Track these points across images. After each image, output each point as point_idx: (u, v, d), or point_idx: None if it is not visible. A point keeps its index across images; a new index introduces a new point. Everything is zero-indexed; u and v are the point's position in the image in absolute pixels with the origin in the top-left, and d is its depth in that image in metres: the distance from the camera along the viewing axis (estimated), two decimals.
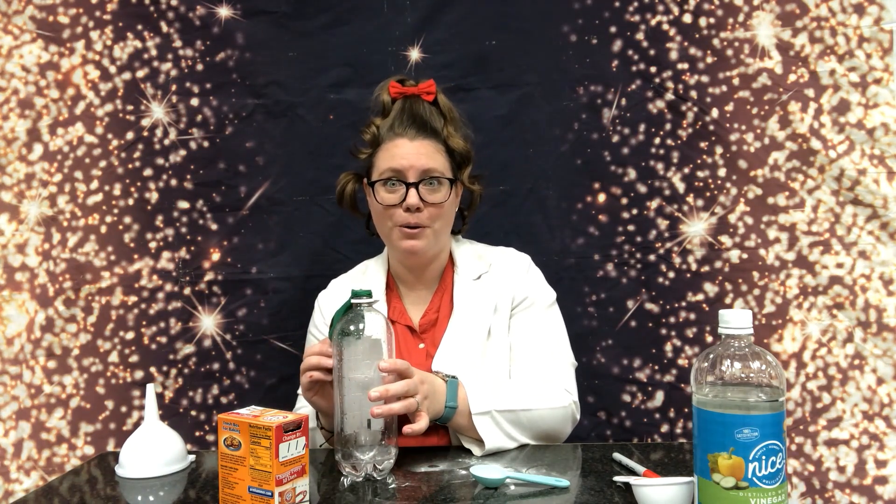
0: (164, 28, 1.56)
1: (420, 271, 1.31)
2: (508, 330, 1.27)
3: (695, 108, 1.53)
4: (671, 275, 1.54)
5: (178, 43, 1.56)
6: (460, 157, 1.28)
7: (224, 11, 1.56)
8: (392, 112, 1.27)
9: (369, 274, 1.35)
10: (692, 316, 1.54)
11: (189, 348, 1.56)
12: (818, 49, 1.50)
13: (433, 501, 0.97)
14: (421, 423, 1.04)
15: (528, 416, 1.16)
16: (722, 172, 1.53)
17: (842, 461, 1.49)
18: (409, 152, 1.23)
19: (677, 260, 1.54)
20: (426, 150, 1.24)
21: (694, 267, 1.54)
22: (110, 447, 1.53)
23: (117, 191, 1.56)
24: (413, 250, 1.24)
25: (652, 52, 1.54)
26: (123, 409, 1.54)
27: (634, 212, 1.56)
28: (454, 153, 1.27)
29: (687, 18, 1.54)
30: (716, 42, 1.53)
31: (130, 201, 1.56)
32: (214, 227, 1.57)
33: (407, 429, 1.03)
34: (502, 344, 1.26)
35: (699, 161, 1.54)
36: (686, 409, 1.54)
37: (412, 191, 1.21)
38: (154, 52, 1.56)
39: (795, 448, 1.50)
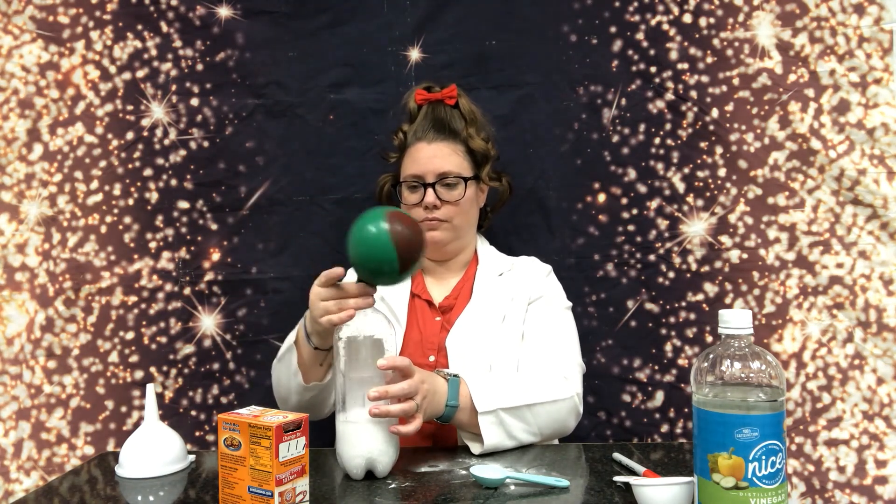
0: (164, 28, 1.56)
1: (444, 263, 1.40)
2: (523, 321, 1.33)
3: (695, 108, 1.53)
4: (671, 275, 1.54)
5: (178, 43, 1.56)
6: (480, 157, 1.38)
7: (224, 11, 1.56)
8: (417, 118, 1.38)
9: None
10: (692, 316, 1.54)
11: (189, 348, 1.56)
12: (818, 49, 1.50)
13: (433, 501, 0.97)
14: (411, 427, 1.04)
15: (533, 411, 1.17)
16: (722, 172, 1.53)
17: (842, 461, 1.49)
18: (426, 156, 1.34)
19: (677, 260, 1.54)
20: (443, 152, 1.34)
21: (694, 267, 1.54)
22: (110, 447, 1.53)
23: (117, 191, 1.56)
24: (433, 240, 1.34)
25: (652, 52, 1.54)
26: (123, 409, 1.54)
27: (634, 212, 1.56)
28: (474, 153, 1.37)
29: (687, 18, 1.54)
30: (716, 42, 1.53)
31: (130, 201, 1.56)
32: (214, 227, 1.57)
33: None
34: (515, 331, 1.32)
35: (699, 161, 1.54)
36: (686, 409, 1.54)
37: (429, 191, 1.32)
38: (154, 52, 1.56)
39: (795, 448, 1.50)
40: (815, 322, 1.51)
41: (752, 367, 0.82)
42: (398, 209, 1.07)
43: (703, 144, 1.54)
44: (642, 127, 1.55)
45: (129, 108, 1.56)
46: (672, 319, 1.54)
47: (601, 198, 1.56)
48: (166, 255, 1.56)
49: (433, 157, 1.33)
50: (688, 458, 1.13)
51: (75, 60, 1.55)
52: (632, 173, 1.55)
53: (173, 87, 1.56)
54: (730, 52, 1.53)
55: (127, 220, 1.56)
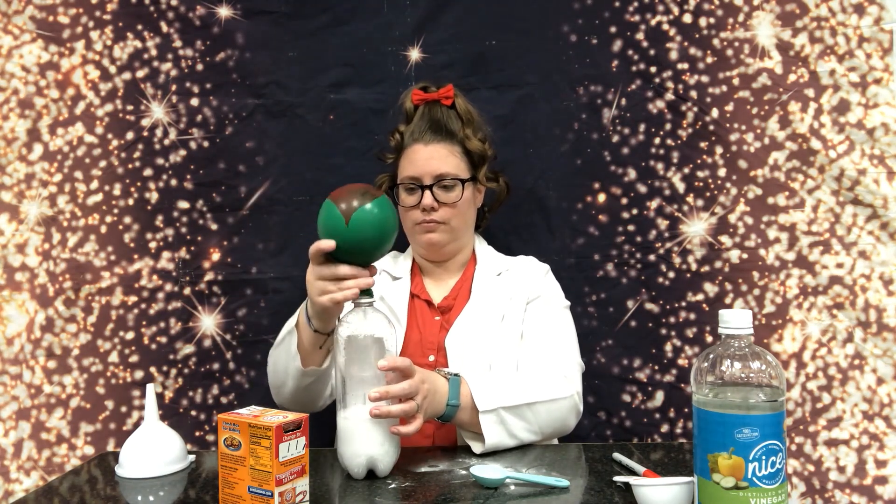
0: (164, 28, 1.56)
1: (442, 264, 1.40)
2: (522, 321, 1.33)
3: (695, 108, 1.53)
4: (671, 275, 1.54)
5: (178, 43, 1.56)
6: (477, 158, 1.38)
7: (224, 11, 1.56)
8: (414, 119, 1.38)
9: (399, 259, 1.45)
10: (692, 316, 1.54)
11: (189, 348, 1.56)
12: (818, 49, 1.50)
13: (433, 501, 0.97)
14: (411, 427, 1.04)
15: (534, 409, 1.17)
16: (722, 172, 1.53)
17: (842, 461, 1.49)
18: (423, 157, 1.33)
19: (677, 260, 1.54)
20: (439, 153, 1.33)
21: (694, 267, 1.54)
22: (110, 447, 1.53)
23: (117, 191, 1.56)
24: (431, 242, 1.34)
25: (652, 52, 1.54)
26: (123, 409, 1.54)
27: (634, 212, 1.56)
28: (471, 154, 1.37)
29: (687, 18, 1.54)
30: (716, 42, 1.53)
31: (130, 201, 1.56)
32: (214, 227, 1.57)
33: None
34: (514, 330, 1.32)
35: (699, 161, 1.54)
36: (686, 409, 1.54)
37: (427, 193, 1.32)
38: (154, 52, 1.56)
39: (795, 448, 1.50)
40: (815, 322, 1.51)
41: (752, 367, 0.82)
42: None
43: (703, 144, 1.54)
44: (642, 127, 1.55)
45: (129, 108, 1.56)
46: (672, 319, 1.54)
47: (601, 198, 1.56)
48: (166, 255, 1.56)
49: (430, 158, 1.33)
50: (688, 458, 1.13)
51: (75, 60, 1.55)
52: (632, 173, 1.55)
53: (173, 87, 1.56)
54: (730, 52, 1.53)
55: (127, 220, 1.56)
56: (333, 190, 1.10)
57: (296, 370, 1.19)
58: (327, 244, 1.05)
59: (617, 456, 1.12)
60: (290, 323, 1.23)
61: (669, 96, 1.54)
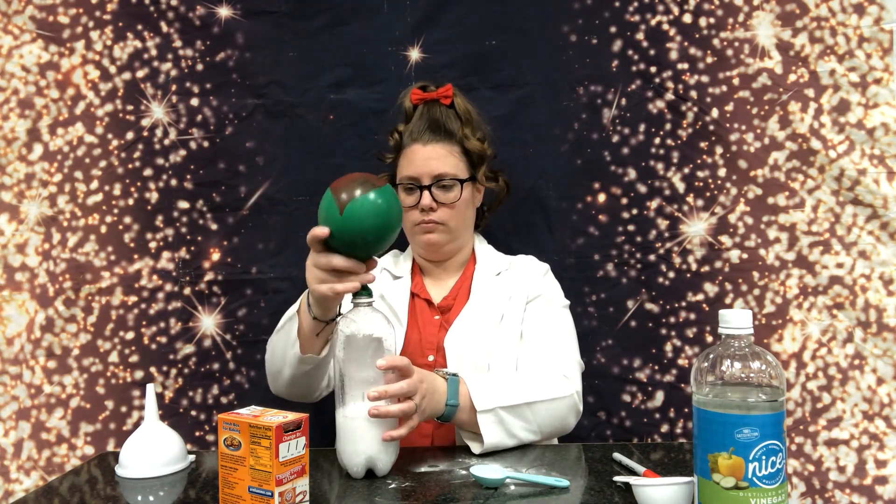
0: (164, 28, 1.56)
1: (441, 264, 1.40)
2: (521, 320, 1.33)
3: (695, 108, 1.53)
4: (671, 275, 1.55)
5: (178, 43, 1.56)
6: (476, 157, 1.37)
7: (224, 11, 1.56)
8: (413, 118, 1.38)
9: (399, 258, 1.45)
10: (692, 316, 1.54)
11: (189, 348, 1.56)
12: (818, 49, 1.50)
13: (433, 501, 0.97)
14: (402, 430, 1.04)
15: (533, 409, 1.17)
16: (722, 172, 1.53)
17: (842, 461, 1.49)
18: (421, 158, 1.33)
19: (677, 260, 1.54)
20: (438, 153, 1.33)
21: (694, 267, 1.54)
22: (110, 447, 1.53)
23: (117, 191, 1.56)
24: (430, 242, 1.34)
25: (652, 52, 1.54)
26: (123, 409, 1.54)
27: (634, 212, 1.56)
28: (470, 153, 1.36)
29: (687, 18, 1.54)
30: (716, 42, 1.53)
31: (130, 201, 1.56)
32: (214, 227, 1.57)
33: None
34: (513, 330, 1.32)
35: (699, 161, 1.54)
36: (686, 409, 1.54)
37: (425, 193, 1.31)
38: (154, 52, 1.56)
39: (795, 448, 1.50)
40: (815, 322, 1.51)
41: (752, 367, 0.82)
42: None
43: (703, 144, 1.54)
44: (642, 127, 1.55)
45: (129, 108, 1.56)
46: (672, 319, 1.54)
47: (601, 198, 1.56)
48: (166, 255, 1.56)
49: (429, 158, 1.33)
50: (688, 458, 1.13)
51: (75, 60, 1.55)
52: (632, 173, 1.55)
53: (173, 87, 1.56)
54: (730, 52, 1.53)
55: (127, 220, 1.56)
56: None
57: (294, 357, 1.19)
58: (321, 231, 1.04)
59: (617, 456, 1.12)
60: (293, 309, 1.22)
61: (669, 96, 1.54)
